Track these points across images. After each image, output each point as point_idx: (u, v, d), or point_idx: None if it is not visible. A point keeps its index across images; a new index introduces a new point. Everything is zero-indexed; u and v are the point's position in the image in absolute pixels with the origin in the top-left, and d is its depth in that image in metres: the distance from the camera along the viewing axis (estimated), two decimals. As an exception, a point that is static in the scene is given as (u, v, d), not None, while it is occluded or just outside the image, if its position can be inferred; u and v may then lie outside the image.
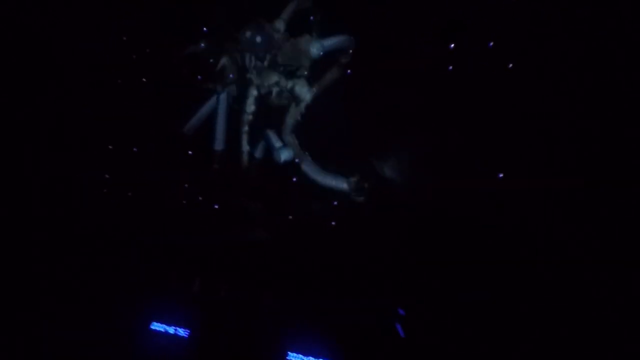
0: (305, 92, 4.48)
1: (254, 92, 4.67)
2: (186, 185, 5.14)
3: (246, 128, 4.70)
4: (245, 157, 4.74)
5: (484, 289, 3.62)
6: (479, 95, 3.70)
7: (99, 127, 5.19)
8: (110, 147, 5.17)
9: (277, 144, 4.46)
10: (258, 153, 4.78)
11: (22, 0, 4.91)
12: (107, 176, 5.37)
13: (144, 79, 5.19)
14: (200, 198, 5.06)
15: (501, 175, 3.74)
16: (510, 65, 3.59)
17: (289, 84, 4.51)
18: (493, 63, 3.62)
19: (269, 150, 4.57)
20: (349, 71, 4.45)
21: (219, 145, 4.86)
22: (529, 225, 3.64)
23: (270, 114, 4.65)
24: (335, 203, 4.37)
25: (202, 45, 4.88)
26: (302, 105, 4.51)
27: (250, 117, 4.70)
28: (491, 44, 3.63)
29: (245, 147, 4.72)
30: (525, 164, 3.59)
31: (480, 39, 3.66)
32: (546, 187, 3.47)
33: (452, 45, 3.75)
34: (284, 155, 4.34)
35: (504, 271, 3.62)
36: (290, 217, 4.69)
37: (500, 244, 3.65)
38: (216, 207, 4.98)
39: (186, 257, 4.75)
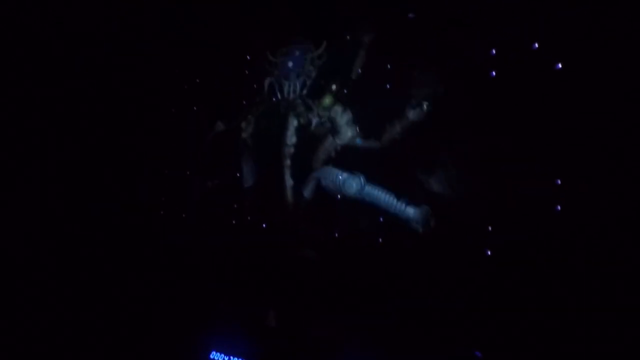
0: (345, 126, 4.12)
1: (294, 122, 4.51)
2: (235, 205, 5.19)
3: (288, 162, 4.54)
4: (289, 193, 4.58)
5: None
6: (527, 100, 3.47)
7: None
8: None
9: (341, 175, 4.16)
10: (307, 191, 4.52)
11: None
12: (163, 198, 5.53)
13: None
14: (249, 218, 5.10)
15: (559, 181, 3.46)
16: (559, 65, 3.32)
17: (330, 113, 4.25)
18: (539, 65, 3.37)
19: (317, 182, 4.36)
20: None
21: (247, 182, 4.74)
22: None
23: (313, 146, 4.43)
24: (382, 219, 4.26)
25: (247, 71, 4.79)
26: (339, 141, 4.23)
27: (292, 149, 4.54)
28: (536, 45, 3.39)
29: (289, 181, 4.57)
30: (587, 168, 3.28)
31: (524, 41, 3.43)
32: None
33: (494, 50, 3.56)
34: (356, 184, 4.05)
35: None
36: (337, 234, 4.63)
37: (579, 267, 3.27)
38: (264, 226, 4.99)
39: (239, 282, 4.82)
